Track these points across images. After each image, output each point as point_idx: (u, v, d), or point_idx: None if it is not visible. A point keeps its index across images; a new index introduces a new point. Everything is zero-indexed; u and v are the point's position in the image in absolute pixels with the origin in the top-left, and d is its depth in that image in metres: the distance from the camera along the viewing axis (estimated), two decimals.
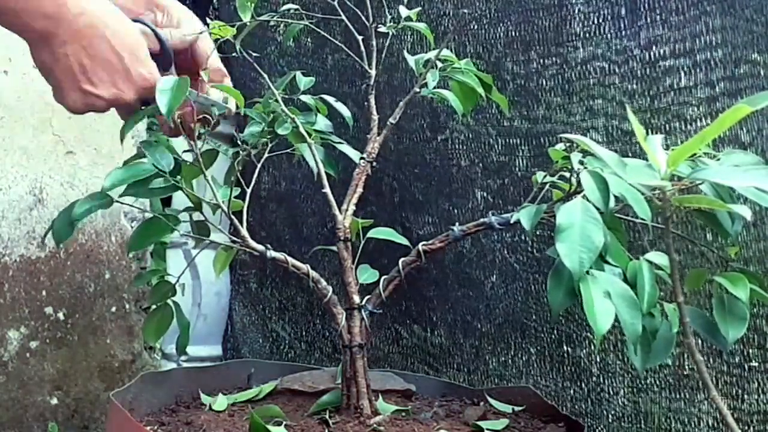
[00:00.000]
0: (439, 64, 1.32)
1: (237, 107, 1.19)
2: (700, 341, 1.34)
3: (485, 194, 1.66)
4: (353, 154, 1.33)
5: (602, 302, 0.90)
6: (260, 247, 1.23)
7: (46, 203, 1.82)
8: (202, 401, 1.32)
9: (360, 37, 1.34)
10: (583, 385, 1.57)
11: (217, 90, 1.19)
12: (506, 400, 1.38)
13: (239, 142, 1.27)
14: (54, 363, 1.84)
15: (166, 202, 2.15)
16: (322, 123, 1.34)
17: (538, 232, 1.56)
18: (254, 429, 1.11)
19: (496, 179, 1.64)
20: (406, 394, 1.39)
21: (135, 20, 1.14)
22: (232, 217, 1.22)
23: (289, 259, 1.24)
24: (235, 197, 1.23)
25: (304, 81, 1.35)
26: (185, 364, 2.01)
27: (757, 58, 1.32)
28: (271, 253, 1.23)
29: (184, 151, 1.25)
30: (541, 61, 1.57)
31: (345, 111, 1.36)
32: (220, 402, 1.30)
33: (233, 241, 1.24)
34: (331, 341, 1.97)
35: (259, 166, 1.29)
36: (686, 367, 1.43)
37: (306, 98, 1.34)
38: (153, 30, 1.14)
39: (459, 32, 1.64)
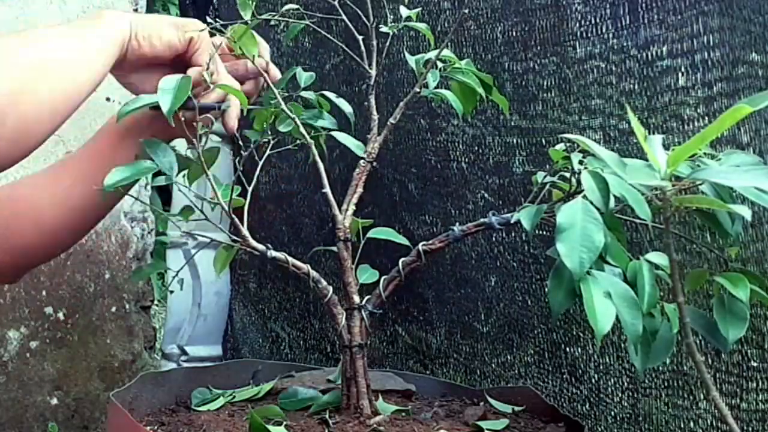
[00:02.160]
0: (440, 64, 1.32)
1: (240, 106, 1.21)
2: (700, 341, 1.34)
3: (485, 194, 1.67)
4: (354, 145, 1.32)
5: (603, 303, 0.91)
6: (261, 247, 1.23)
7: None
8: (203, 400, 1.33)
9: (360, 37, 1.34)
10: (582, 386, 1.57)
11: (217, 91, 1.20)
12: (506, 401, 1.38)
13: (240, 142, 1.27)
14: (54, 363, 1.84)
15: (166, 201, 2.15)
16: (328, 120, 1.34)
17: (537, 232, 1.56)
18: (254, 429, 1.11)
19: (495, 179, 1.65)
20: (406, 394, 1.40)
21: None
22: (233, 216, 1.22)
23: (290, 258, 1.24)
24: (236, 196, 1.23)
25: (304, 77, 1.35)
26: (185, 364, 2.01)
27: (755, 59, 1.32)
28: (272, 253, 1.23)
29: (187, 148, 1.25)
30: (539, 60, 1.57)
31: (346, 107, 1.36)
32: (216, 402, 1.31)
33: (234, 241, 1.24)
34: (331, 341, 1.97)
35: (260, 164, 1.29)
36: (685, 367, 1.43)
37: (307, 94, 1.34)
38: None
39: (458, 31, 1.65)
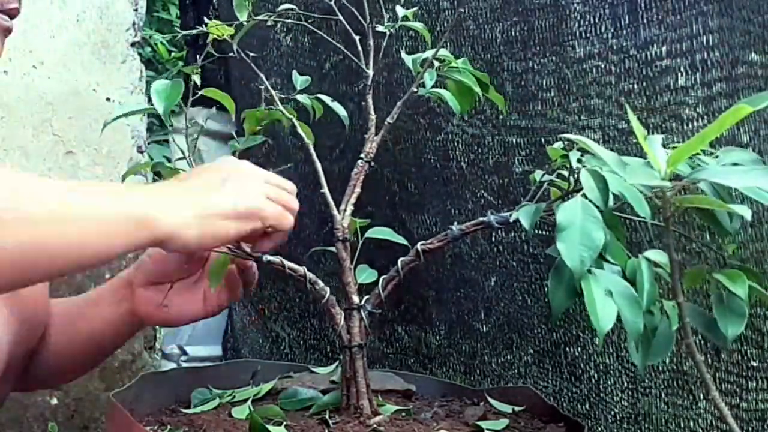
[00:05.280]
0: (436, 64, 1.32)
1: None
2: (700, 341, 1.34)
3: (484, 193, 1.67)
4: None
5: (604, 301, 0.91)
6: (255, 255, 1.23)
7: None
8: (203, 400, 1.32)
9: (357, 37, 1.34)
10: (582, 385, 1.57)
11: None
12: (506, 401, 1.38)
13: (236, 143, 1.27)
14: None
15: None
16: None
17: (536, 231, 1.56)
18: (254, 429, 1.11)
19: (494, 178, 1.65)
20: (406, 394, 1.39)
21: None
22: None
23: (285, 262, 1.23)
24: None
25: (300, 80, 1.35)
26: (185, 364, 2.01)
27: (755, 59, 1.32)
28: (267, 258, 1.23)
29: (177, 159, 1.26)
30: (538, 60, 1.57)
31: (341, 110, 1.36)
32: (215, 402, 1.31)
33: (228, 248, 1.24)
34: (331, 341, 1.97)
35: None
36: (685, 366, 1.43)
37: (302, 98, 1.34)
38: None
39: (455, 31, 1.65)
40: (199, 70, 1.15)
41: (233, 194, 1.04)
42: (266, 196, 1.08)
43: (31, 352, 1.30)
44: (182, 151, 1.19)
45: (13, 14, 1.13)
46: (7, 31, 1.12)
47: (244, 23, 1.26)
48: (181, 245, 0.99)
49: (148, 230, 0.95)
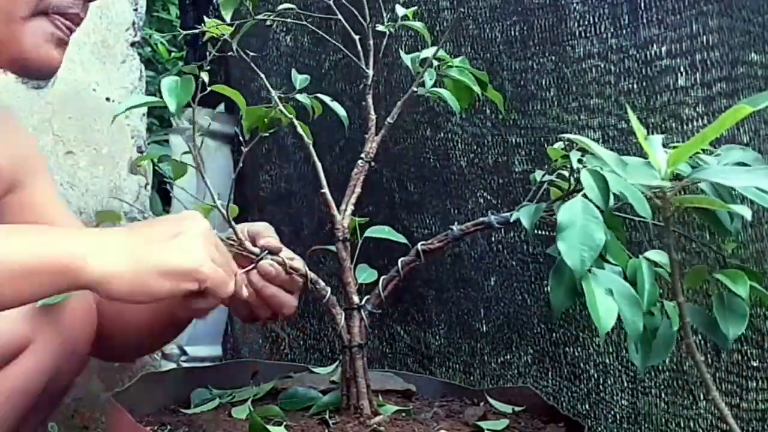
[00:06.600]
0: (435, 63, 1.32)
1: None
2: (699, 341, 1.34)
3: (484, 193, 1.67)
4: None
5: (605, 300, 0.91)
6: (256, 250, 1.23)
7: None
8: (203, 400, 1.32)
9: (357, 37, 1.34)
10: (581, 385, 1.57)
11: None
12: (506, 401, 1.38)
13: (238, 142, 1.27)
14: None
15: (166, 202, 2.15)
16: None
17: (536, 232, 1.56)
18: (254, 429, 1.11)
19: (494, 178, 1.65)
20: (406, 394, 1.39)
21: None
22: (230, 220, 1.21)
23: (287, 261, 1.23)
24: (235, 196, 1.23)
25: (299, 79, 1.35)
26: (185, 364, 2.01)
27: (755, 59, 1.32)
28: (267, 256, 1.23)
29: (183, 153, 1.25)
30: (538, 59, 1.57)
31: (340, 110, 1.36)
32: (215, 403, 1.31)
33: (230, 244, 1.24)
34: (330, 341, 1.97)
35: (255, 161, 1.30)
36: (685, 366, 1.43)
37: (301, 97, 1.34)
38: None
39: (455, 31, 1.65)
40: (207, 69, 1.15)
41: (177, 252, 1.01)
42: (211, 259, 1.04)
43: (79, 370, 1.28)
44: (191, 148, 1.20)
45: (75, 21, 1.09)
46: (65, 43, 1.10)
47: (245, 23, 1.26)
48: (106, 295, 0.97)
49: (68, 278, 0.92)
